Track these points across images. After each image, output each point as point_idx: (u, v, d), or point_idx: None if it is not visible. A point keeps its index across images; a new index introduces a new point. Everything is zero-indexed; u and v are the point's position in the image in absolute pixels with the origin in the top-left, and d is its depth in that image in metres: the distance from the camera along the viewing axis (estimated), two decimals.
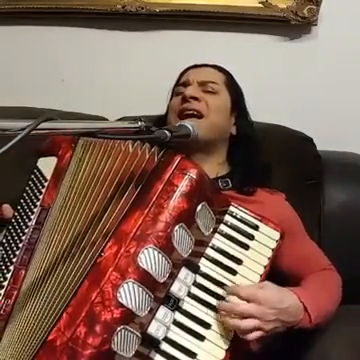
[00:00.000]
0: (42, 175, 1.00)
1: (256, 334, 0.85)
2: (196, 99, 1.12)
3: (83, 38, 1.65)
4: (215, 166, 1.15)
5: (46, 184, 0.99)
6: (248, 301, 0.86)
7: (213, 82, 1.17)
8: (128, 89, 1.63)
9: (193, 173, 0.86)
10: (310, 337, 0.96)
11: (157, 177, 0.87)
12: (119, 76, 1.64)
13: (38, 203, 0.97)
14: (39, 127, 0.65)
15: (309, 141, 1.40)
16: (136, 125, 0.86)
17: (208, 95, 1.15)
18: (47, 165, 1.01)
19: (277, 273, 1.07)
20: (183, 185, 0.85)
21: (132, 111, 1.33)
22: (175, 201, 0.84)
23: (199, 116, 1.12)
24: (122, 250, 0.80)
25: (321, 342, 0.97)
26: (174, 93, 1.22)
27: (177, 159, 0.88)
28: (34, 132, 0.64)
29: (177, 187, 0.85)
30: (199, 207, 0.87)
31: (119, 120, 1.39)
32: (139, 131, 0.87)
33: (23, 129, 0.62)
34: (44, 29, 1.67)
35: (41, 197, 0.98)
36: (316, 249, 1.15)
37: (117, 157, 0.92)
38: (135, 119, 0.87)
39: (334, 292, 1.03)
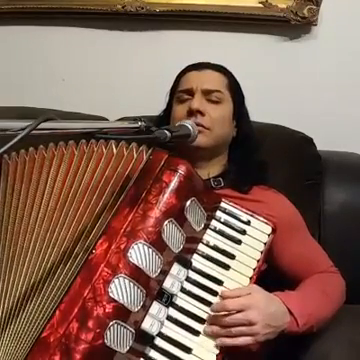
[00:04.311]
0: None
1: (246, 339, 0.85)
2: (201, 113, 1.11)
3: (83, 38, 1.65)
4: (218, 167, 1.17)
5: None
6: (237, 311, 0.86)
7: (217, 91, 1.15)
8: (128, 89, 1.63)
9: (181, 169, 0.88)
10: (310, 337, 0.96)
11: (146, 175, 0.88)
12: (119, 76, 1.64)
13: None
14: (39, 127, 0.65)
15: (309, 141, 1.40)
16: (136, 125, 0.87)
17: (212, 105, 1.13)
18: None
19: (277, 273, 1.07)
20: (172, 181, 0.87)
21: (132, 111, 1.33)
22: (164, 197, 0.86)
23: (205, 128, 1.11)
24: (113, 246, 0.81)
25: (321, 342, 0.97)
26: (176, 98, 1.19)
27: (165, 156, 0.90)
28: (34, 132, 0.64)
29: (166, 183, 0.87)
30: (188, 202, 0.88)
31: (119, 120, 1.39)
32: (139, 131, 0.87)
33: (23, 129, 0.62)
34: (44, 29, 1.67)
35: None
36: (319, 249, 1.14)
37: (99, 160, 0.92)
38: (135, 119, 0.88)
39: (334, 295, 1.03)
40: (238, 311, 0.86)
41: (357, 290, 1.06)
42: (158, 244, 0.84)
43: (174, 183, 0.87)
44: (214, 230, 0.95)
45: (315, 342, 0.97)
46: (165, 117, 1.22)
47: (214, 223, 0.96)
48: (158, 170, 0.88)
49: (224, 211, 0.97)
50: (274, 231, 0.97)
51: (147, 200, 0.86)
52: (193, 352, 0.84)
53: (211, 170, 1.15)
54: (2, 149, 0.59)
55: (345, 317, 1.02)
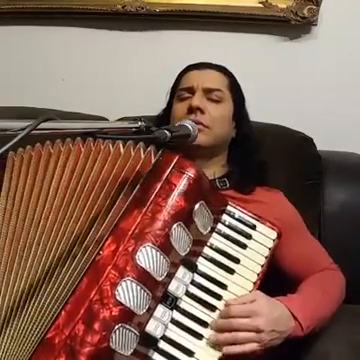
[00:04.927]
0: None
1: (252, 345, 0.85)
2: (201, 110, 1.11)
3: (83, 38, 1.65)
4: (218, 168, 1.17)
5: None
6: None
7: (218, 90, 1.15)
8: (128, 89, 1.63)
9: (191, 172, 0.88)
10: (310, 337, 0.96)
11: (155, 176, 0.87)
12: (119, 76, 1.64)
13: None
14: (39, 127, 0.65)
15: (309, 141, 1.40)
16: (136, 125, 0.87)
17: (212, 104, 1.14)
18: None
19: (279, 273, 1.07)
20: (181, 184, 0.86)
21: (132, 111, 1.33)
22: (173, 200, 0.85)
23: (205, 126, 1.11)
24: (120, 248, 0.81)
25: (321, 342, 0.97)
26: (177, 97, 1.19)
27: (175, 158, 0.89)
28: (34, 132, 0.64)
29: (175, 186, 0.86)
30: (197, 206, 0.88)
31: (119, 120, 1.39)
32: (139, 131, 0.87)
33: (23, 129, 0.62)
34: (44, 29, 1.67)
35: None
36: (318, 247, 1.15)
37: (106, 158, 0.92)
38: (135, 119, 0.88)
39: (334, 294, 1.03)
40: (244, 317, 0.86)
41: (357, 290, 1.06)
42: (166, 247, 0.83)
43: (183, 186, 0.86)
44: (220, 233, 0.94)
45: (315, 342, 0.97)
46: (165, 116, 1.22)
47: (220, 226, 0.95)
48: (168, 172, 0.87)
49: (230, 214, 0.97)
50: (279, 236, 0.97)
51: (156, 202, 0.85)
52: (196, 356, 0.83)
53: (213, 170, 1.15)
54: (2, 149, 0.59)
55: (344, 317, 1.02)
